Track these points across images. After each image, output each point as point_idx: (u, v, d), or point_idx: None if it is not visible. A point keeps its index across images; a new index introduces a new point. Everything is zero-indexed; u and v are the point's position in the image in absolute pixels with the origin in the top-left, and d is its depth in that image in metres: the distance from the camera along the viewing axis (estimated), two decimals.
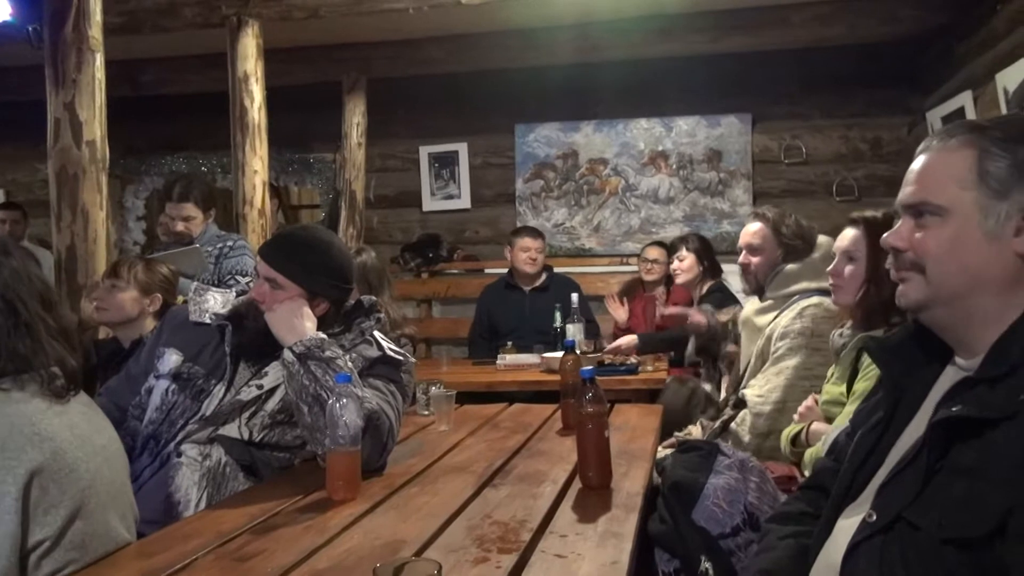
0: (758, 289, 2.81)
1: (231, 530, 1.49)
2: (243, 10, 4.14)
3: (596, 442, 1.69)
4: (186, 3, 4.25)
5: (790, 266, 2.70)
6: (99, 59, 2.98)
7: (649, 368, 3.75)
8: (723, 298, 3.93)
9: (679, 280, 4.23)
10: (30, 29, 3.06)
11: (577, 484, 1.73)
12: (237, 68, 4.14)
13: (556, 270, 4.78)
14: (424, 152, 5.91)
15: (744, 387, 2.68)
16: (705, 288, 4.09)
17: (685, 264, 4.15)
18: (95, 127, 2.98)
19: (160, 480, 1.89)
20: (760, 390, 2.55)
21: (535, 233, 4.65)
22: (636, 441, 2.16)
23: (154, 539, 1.48)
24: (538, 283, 4.59)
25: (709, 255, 4.16)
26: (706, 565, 1.52)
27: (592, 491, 1.69)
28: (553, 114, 5.70)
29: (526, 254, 4.53)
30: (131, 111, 5.10)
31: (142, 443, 1.99)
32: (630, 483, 1.73)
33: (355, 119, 5.38)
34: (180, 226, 3.66)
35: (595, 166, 5.68)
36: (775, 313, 2.68)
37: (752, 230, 2.79)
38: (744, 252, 2.81)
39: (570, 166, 5.72)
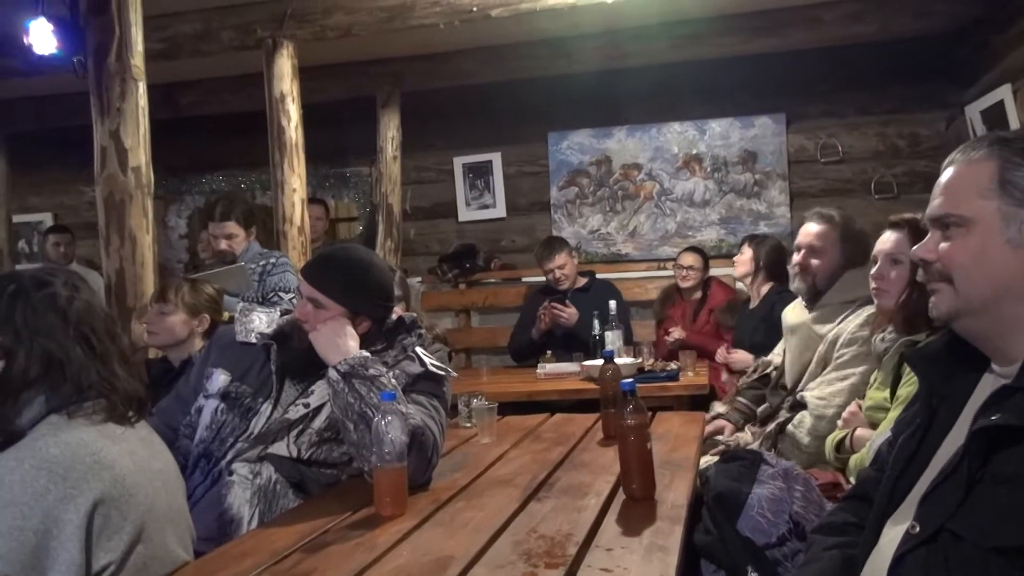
0: (814, 293, 2.71)
1: (284, 548, 1.53)
2: (278, 32, 4.22)
3: (638, 454, 1.70)
4: (223, 27, 4.35)
5: (852, 271, 2.62)
6: (141, 87, 3.06)
7: (690, 374, 3.74)
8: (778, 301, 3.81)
9: (735, 272, 4.28)
10: (75, 61, 3.16)
11: (621, 496, 1.74)
12: (274, 88, 4.23)
13: (597, 276, 4.79)
14: (458, 163, 5.96)
15: (801, 390, 2.65)
16: (763, 291, 4.06)
17: (741, 259, 4.18)
18: (140, 153, 3.06)
19: (212, 498, 1.94)
20: (822, 392, 2.51)
21: (551, 250, 4.57)
22: (679, 450, 2.16)
23: (211, 559, 1.52)
24: (579, 284, 4.60)
25: (769, 260, 4.09)
26: None
27: (636, 503, 1.70)
28: (585, 121, 5.72)
29: (551, 275, 4.56)
30: (172, 132, 5.21)
31: (193, 462, 2.04)
32: (674, 494, 1.74)
33: (390, 133, 5.45)
34: (224, 244, 3.73)
35: (629, 171, 5.69)
36: (838, 319, 2.60)
37: (815, 231, 2.69)
38: (804, 252, 2.70)
39: (604, 172, 5.73)
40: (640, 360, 3.93)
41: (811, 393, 2.54)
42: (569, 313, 4.32)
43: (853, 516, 1.34)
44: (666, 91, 5.48)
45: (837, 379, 2.50)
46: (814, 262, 2.68)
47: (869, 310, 2.51)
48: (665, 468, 1.92)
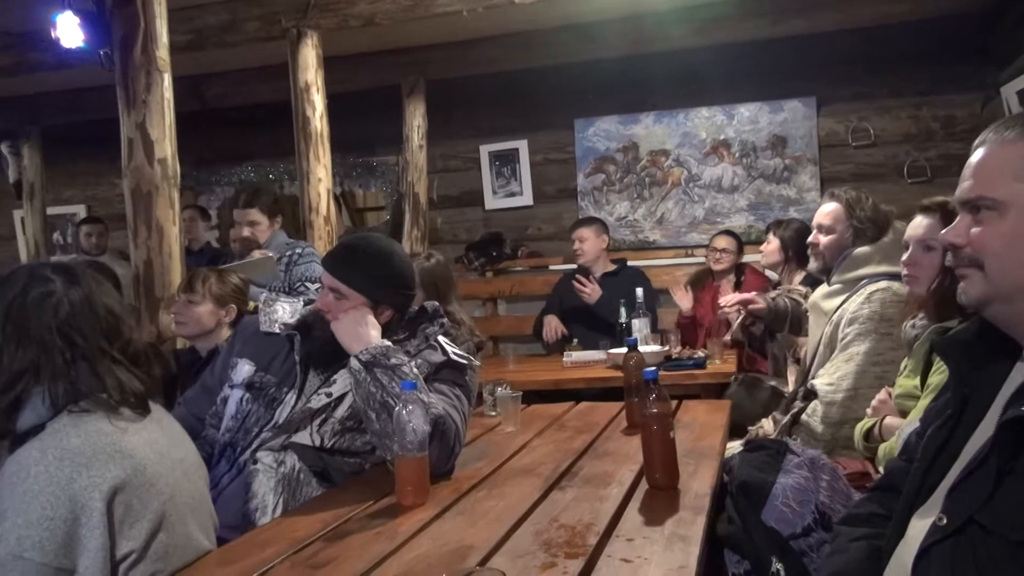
0: (825, 270, 2.75)
1: (305, 537, 1.54)
2: (302, 22, 4.22)
3: (661, 443, 1.68)
4: (248, 18, 4.36)
5: (860, 249, 2.64)
6: (167, 79, 3.08)
7: (717, 361, 3.70)
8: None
9: (762, 261, 4.20)
10: (101, 53, 3.18)
11: (644, 485, 1.73)
12: (298, 78, 4.24)
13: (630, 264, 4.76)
14: (484, 151, 5.94)
15: (813, 377, 2.64)
16: (796, 279, 4.00)
17: (768, 248, 4.11)
18: (166, 145, 3.08)
19: (238, 487, 1.95)
20: (830, 378, 2.50)
21: (579, 224, 4.65)
22: (704, 439, 2.14)
23: (233, 547, 1.53)
24: (609, 269, 4.57)
25: (797, 245, 4.02)
26: (777, 567, 1.50)
27: (659, 492, 1.68)
28: (612, 107, 5.67)
29: (573, 247, 4.57)
30: (200, 124, 5.27)
31: (220, 451, 2.06)
32: (698, 483, 1.72)
33: (415, 122, 5.45)
34: (247, 231, 3.76)
35: (656, 158, 5.63)
36: (842, 298, 2.63)
37: (826, 210, 2.73)
38: (815, 231, 2.75)
39: (631, 159, 5.68)
40: (667, 348, 3.90)
41: (820, 380, 2.53)
42: (591, 289, 4.32)
43: (880, 507, 1.31)
44: (693, 76, 5.40)
45: (843, 361, 2.49)
46: (823, 240, 2.71)
47: (872, 288, 2.50)
48: (689, 457, 1.90)
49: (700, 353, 3.77)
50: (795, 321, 3.26)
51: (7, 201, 6.59)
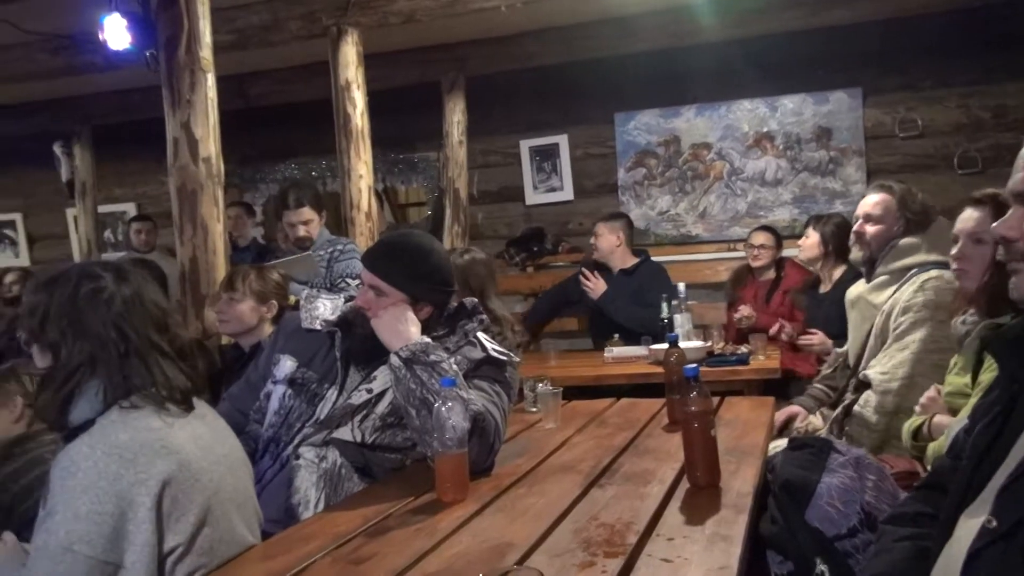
0: (869, 261, 2.70)
1: (346, 532, 1.55)
2: (342, 20, 4.25)
3: (702, 441, 1.66)
4: (289, 17, 4.41)
5: (906, 239, 2.59)
6: (210, 79, 3.13)
7: (761, 357, 3.65)
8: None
9: (800, 256, 4.13)
10: (147, 54, 3.24)
11: (685, 483, 1.71)
12: (339, 76, 4.27)
13: (664, 259, 4.72)
14: (525, 146, 5.94)
15: (862, 368, 2.59)
16: (836, 275, 3.94)
17: (807, 243, 4.03)
18: (210, 144, 3.13)
19: (281, 481, 1.98)
20: (884, 367, 2.46)
21: (600, 219, 4.60)
22: (746, 437, 2.11)
23: (276, 542, 1.55)
24: (627, 265, 4.53)
25: (837, 240, 3.96)
26: (822, 568, 1.47)
27: (700, 491, 1.67)
28: (652, 100, 5.62)
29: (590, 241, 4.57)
30: (244, 122, 5.34)
31: (263, 446, 2.09)
32: (740, 482, 1.70)
33: (455, 117, 5.46)
34: (302, 231, 3.79)
35: (698, 151, 5.58)
36: (892, 288, 2.58)
37: (874, 200, 2.68)
38: (860, 221, 2.70)
39: (672, 152, 5.63)
40: (709, 343, 3.86)
41: (874, 370, 2.48)
42: (593, 284, 4.31)
43: (927, 506, 1.28)
44: (735, 68, 5.33)
45: (897, 350, 2.44)
46: (870, 229, 2.66)
47: (924, 277, 2.46)
48: (731, 455, 1.88)
49: (743, 349, 3.72)
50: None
51: (60, 200, 6.74)
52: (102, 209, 6.63)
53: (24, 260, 7.04)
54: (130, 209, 6.77)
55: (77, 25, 4.19)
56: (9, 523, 1.62)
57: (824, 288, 3.99)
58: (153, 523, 1.32)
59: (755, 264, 4.48)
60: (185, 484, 1.36)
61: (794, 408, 2.86)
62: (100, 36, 3.44)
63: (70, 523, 1.28)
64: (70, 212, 6.71)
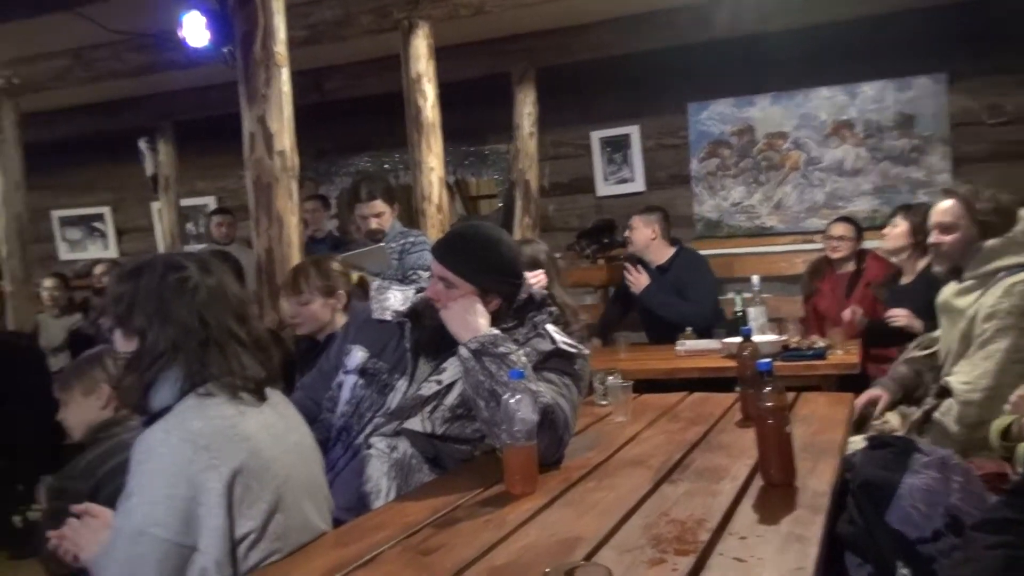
0: (953, 270, 2.60)
1: (415, 523, 1.56)
2: (413, 13, 4.28)
3: (776, 437, 1.62)
4: (361, 11, 4.46)
5: (991, 242, 2.48)
6: (285, 74, 3.18)
7: (839, 352, 3.54)
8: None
9: (885, 246, 3.98)
10: (225, 51, 3.31)
11: (759, 481, 1.67)
12: (410, 69, 4.30)
13: (737, 251, 4.62)
14: (595, 137, 5.88)
15: (947, 374, 2.49)
16: (919, 266, 3.79)
17: (894, 232, 3.87)
18: (284, 138, 3.19)
19: (353, 470, 2.00)
20: (968, 376, 2.36)
21: (637, 211, 4.57)
22: (823, 434, 2.05)
23: (346, 530, 1.57)
24: (663, 260, 4.44)
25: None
26: (903, 572, 1.42)
27: (775, 489, 1.62)
28: (726, 89, 5.50)
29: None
30: (320, 116, 5.43)
31: (335, 435, 2.12)
32: (816, 481, 1.65)
33: (526, 109, 5.45)
34: (374, 223, 3.84)
35: (773, 140, 5.44)
36: (978, 293, 2.47)
37: (943, 207, 2.58)
38: (935, 231, 2.60)
39: (747, 142, 5.51)
40: (785, 337, 3.76)
41: (955, 378, 2.38)
42: (635, 277, 4.27)
43: (1018, 512, 1.22)
44: (811, 54, 5.16)
45: (981, 359, 2.34)
46: (946, 239, 2.56)
47: (1011, 280, 2.35)
48: (807, 452, 1.82)
49: (820, 343, 3.62)
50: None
51: (145, 194, 6.97)
52: (184, 203, 6.84)
53: (113, 252, 7.32)
54: (211, 202, 6.96)
55: (159, 24, 4.31)
56: None
57: (906, 279, 3.84)
58: (224, 508, 1.34)
59: (834, 256, 4.35)
60: (256, 472, 1.39)
61: (875, 392, 2.72)
62: (180, 34, 3.54)
63: (146, 506, 1.32)
64: (155, 206, 6.93)
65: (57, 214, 7.48)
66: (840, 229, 4.34)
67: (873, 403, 2.69)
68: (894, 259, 4.00)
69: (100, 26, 4.32)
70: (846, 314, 3.85)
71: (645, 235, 4.43)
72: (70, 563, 1.58)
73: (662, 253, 4.42)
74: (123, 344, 1.48)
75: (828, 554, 1.41)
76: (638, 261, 4.45)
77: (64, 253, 7.54)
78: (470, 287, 1.98)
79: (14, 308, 5.32)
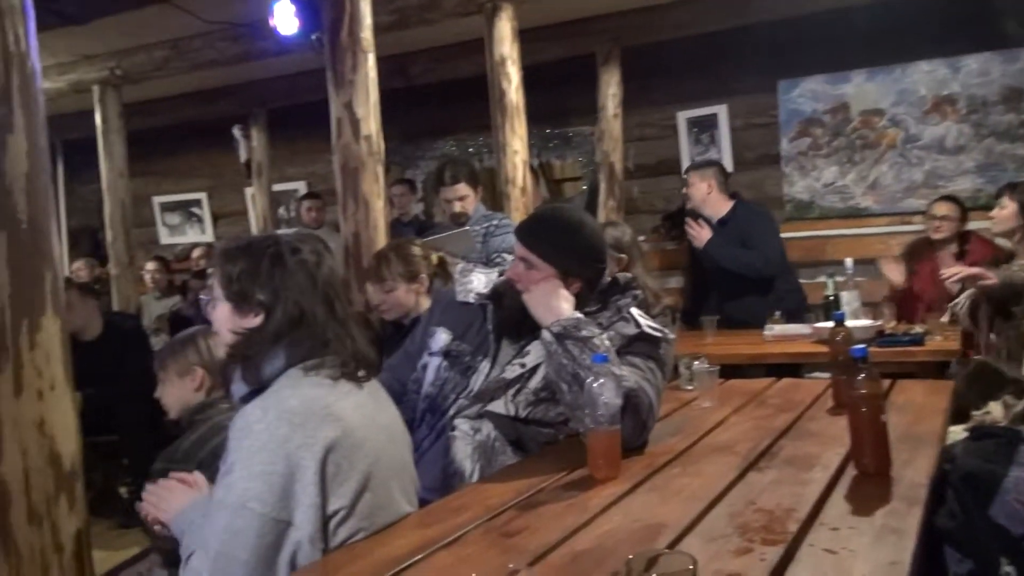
0: None
1: (498, 505, 1.57)
2: None
3: (871, 426, 1.56)
4: None
5: None
6: (371, 59, 3.23)
7: (937, 338, 3.40)
8: None
9: (993, 229, 3.79)
10: (313, 38, 3.38)
11: (851, 470, 1.61)
12: (494, 52, 4.31)
13: (830, 232, 4.46)
14: (682, 118, 5.78)
15: None
16: None
17: (1003, 213, 3.67)
18: (370, 122, 3.23)
19: (438, 451, 2.03)
20: None
21: (692, 166, 4.48)
22: (921, 423, 1.97)
23: (430, 511, 1.59)
24: (722, 214, 4.26)
25: None
26: (1007, 569, 1.35)
27: (868, 479, 1.57)
28: (819, 66, 5.31)
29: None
30: (405, 100, 5.49)
31: (420, 416, 2.14)
32: (913, 472, 1.58)
33: (610, 90, 5.40)
34: (458, 207, 3.86)
35: (869, 118, 5.23)
36: None
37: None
38: None
39: (840, 120, 5.32)
40: (880, 322, 3.63)
41: None
42: (697, 231, 4.15)
43: None
44: (910, 26, 4.93)
45: None
46: None
47: None
48: (904, 442, 1.75)
49: (918, 329, 3.48)
50: None
51: (239, 179, 7.20)
52: (276, 187, 7.03)
53: (209, 236, 7.59)
54: (301, 187, 7.13)
55: (251, 13, 4.43)
56: None
57: (1019, 261, 3.65)
58: (318, 486, 1.38)
59: (936, 236, 4.16)
60: (348, 450, 1.42)
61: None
62: (271, 22, 3.63)
63: (245, 481, 1.36)
64: (248, 191, 7.15)
65: (158, 200, 7.80)
66: (943, 208, 4.15)
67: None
68: (1002, 241, 3.80)
69: (196, 17, 4.46)
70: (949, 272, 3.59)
71: (701, 189, 4.31)
72: (151, 527, 1.65)
73: (721, 207, 4.27)
74: (236, 321, 1.52)
75: (925, 548, 1.35)
76: (698, 217, 4.35)
77: (164, 237, 7.86)
78: (551, 269, 1.97)
79: (119, 290, 5.60)
